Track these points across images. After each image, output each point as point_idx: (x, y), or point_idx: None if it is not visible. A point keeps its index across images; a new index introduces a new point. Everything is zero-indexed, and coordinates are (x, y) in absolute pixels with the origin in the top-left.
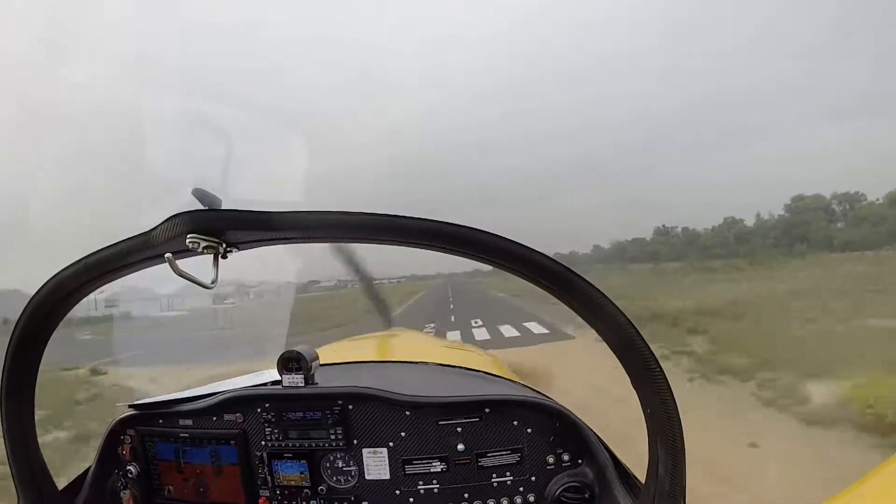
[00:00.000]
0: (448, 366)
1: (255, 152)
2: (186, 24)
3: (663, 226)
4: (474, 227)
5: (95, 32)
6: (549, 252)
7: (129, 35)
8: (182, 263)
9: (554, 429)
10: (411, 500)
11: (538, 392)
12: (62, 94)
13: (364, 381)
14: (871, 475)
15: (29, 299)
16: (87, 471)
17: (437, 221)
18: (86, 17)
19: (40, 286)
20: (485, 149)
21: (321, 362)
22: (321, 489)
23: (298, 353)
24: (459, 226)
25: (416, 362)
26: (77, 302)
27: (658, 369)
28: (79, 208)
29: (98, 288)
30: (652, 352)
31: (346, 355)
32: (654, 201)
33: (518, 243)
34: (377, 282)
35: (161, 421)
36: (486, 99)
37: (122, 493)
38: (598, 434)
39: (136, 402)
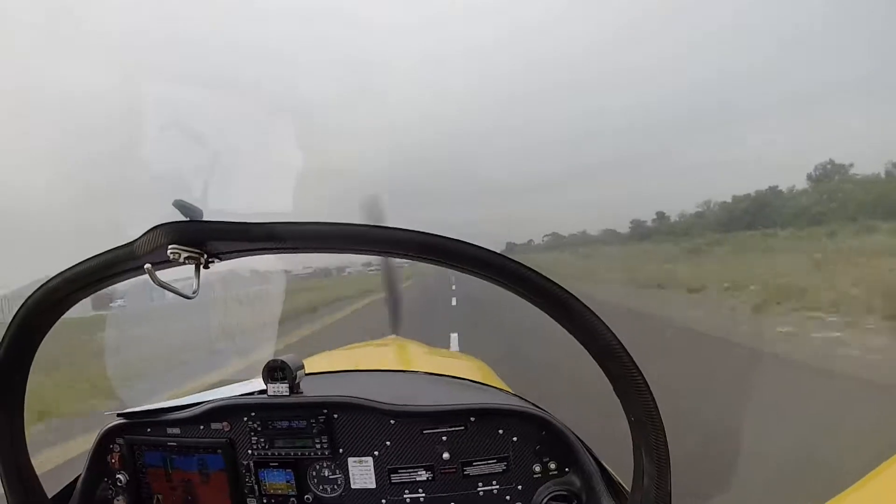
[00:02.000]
0: (435, 374)
1: (240, 161)
2: (174, 18)
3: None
4: (460, 238)
5: (82, 29)
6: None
7: (120, 31)
8: (164, 274)
9: (540, 437)
10: None
11: (524, 400)
12: (43, 91)
13: (349, 390)
14: (863, 482)
15: (16, 311)
16: (76, 479)
17: (418, 232)
18: (70, 15)
19: (27, 298)
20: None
21: (308, 371)
22: (307, 498)
23: (283, 361)
24: (441, 237)
25: (403, 371)
26: (64, 312)
27: (640, 377)
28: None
29: (83, 298)
30: (633, 360)
31: (332, 364)
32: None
33: (495, 253)
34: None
35: (149, 430)
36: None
37: (114, 502)
38: (585, 442)
39: (124, 411)
